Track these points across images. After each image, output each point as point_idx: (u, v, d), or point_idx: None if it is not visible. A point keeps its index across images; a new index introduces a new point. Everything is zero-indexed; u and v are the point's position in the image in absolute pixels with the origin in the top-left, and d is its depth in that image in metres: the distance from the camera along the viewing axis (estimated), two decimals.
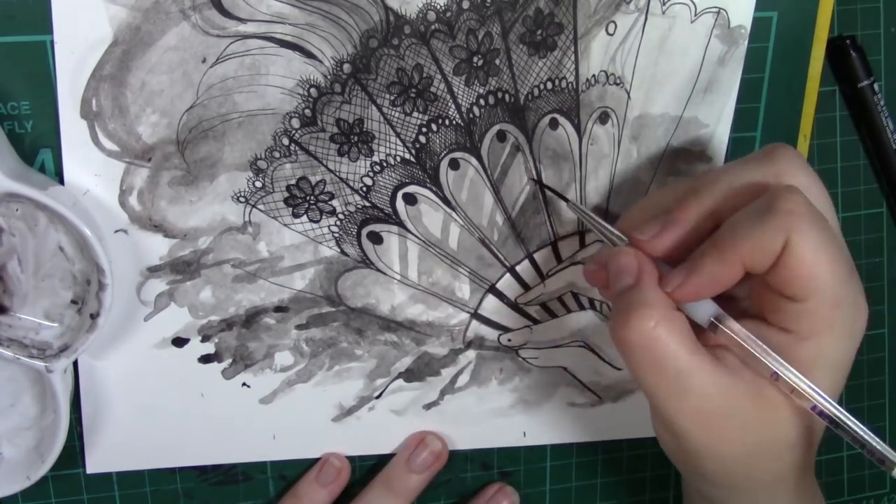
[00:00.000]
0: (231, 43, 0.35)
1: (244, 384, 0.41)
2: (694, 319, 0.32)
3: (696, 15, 0.38)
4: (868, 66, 0.42)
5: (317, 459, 0.43)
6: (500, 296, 0.41)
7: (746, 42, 0.39)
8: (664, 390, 0.31)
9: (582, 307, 0.42)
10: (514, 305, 0.42)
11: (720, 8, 0.38)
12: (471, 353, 0.42)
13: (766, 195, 0.31)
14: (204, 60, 0.35)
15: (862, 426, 0.30)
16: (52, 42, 0.33)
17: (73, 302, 0.36)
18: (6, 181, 0.32)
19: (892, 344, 0.48)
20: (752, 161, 0.33)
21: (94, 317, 0.35)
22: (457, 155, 0.39)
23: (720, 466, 0.33)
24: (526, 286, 0.42)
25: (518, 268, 0.41)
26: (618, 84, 0.39)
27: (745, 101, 0.41)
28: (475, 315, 0.42)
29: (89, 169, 0.36)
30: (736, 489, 0.34)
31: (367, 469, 0.44)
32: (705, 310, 0.32)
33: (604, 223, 0.35)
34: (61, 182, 0.36)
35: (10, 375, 0.37)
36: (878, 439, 0.30)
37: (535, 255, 0.41)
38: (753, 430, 0.32)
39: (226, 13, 0.34)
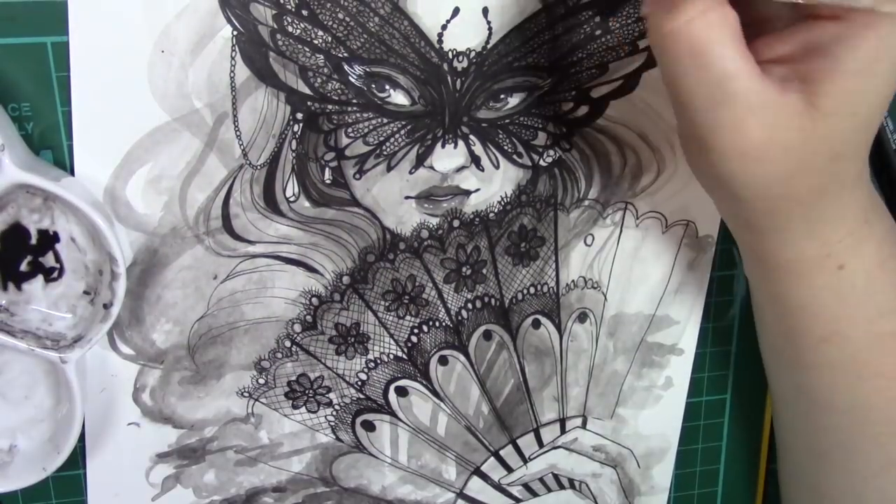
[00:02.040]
0: (241, 262, 0.38)
1: None
2: None
3: (667, 227, 0.42)
4: None
5: None
6: (484, 477, 0.44)
7: (714, 248, 0.43)
8: (703, 95, 0.28)
9: (562, 487, 0.45)
10: (497, 486, 0.45)
11: (689, 220, 0.42)
12: None
13: None
14: (215, 277, 0.38)
15: None
16: (52, 44, 0.34)
17: (86, 292, 0.36)
18: (20, 172, 0.33)
19: None
20: None
21: (107, 307, 0.35)
22: (446, 352, 0.42)
23: (756, 187, 0.30)
24: (509, 468, 0.44)
25: (502, 452, 0.44)
26: (595, 287, 0.42)
27: None
28: (461, 495, 0.44)
29: (106, 370, 0.39)
30: (773, 210, 0.31)
31: None
32: None
33: None
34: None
35: (24, 367, 0.38)
36: None
37: (519, 441, 0.44)
38: (796, 148, 0.29)
39: (237, 237, 0.38)
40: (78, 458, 0.40)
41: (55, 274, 0.36)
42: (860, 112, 0.29)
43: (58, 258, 0.36)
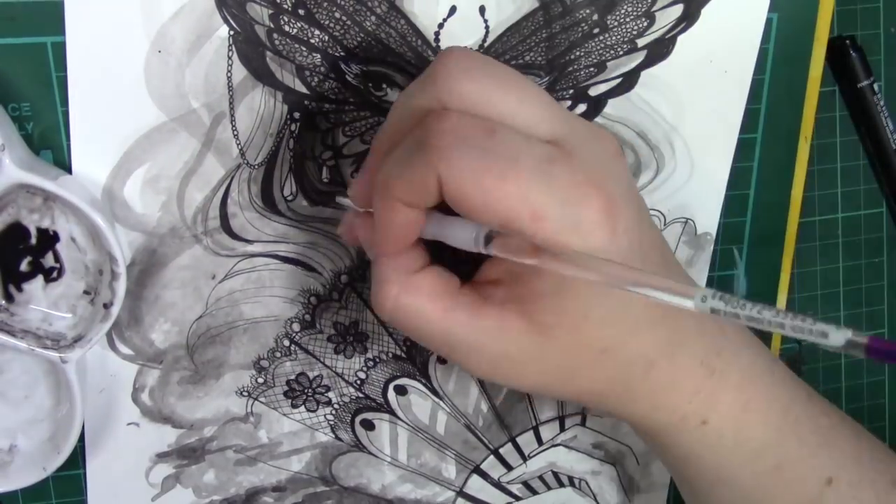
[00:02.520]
0: (239, 261, 0.38)
1: None
2: (466, 246, 0.29)
3: (665, 224, 0.42)
4: (868, 66, 0.42)
5: None
6: (484, 475, 0.44)
7: (713, 246, 0.43)
8: (441, 351, 0.30)
9: (562, 485, 0.45)
10: (497, 484, 0.45)
11: (687, 218, 0.42)
12: None
13: (417, 127, 0.28)
14: (213, 277, 0.38)
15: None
16: (51, 44, 0.34)
17: (86, 292, 0.37)
18: (20, 172, 0.33)
19: None
20: (418, 82, 0.29)
21: (107, 306, 0.35)
22: None
23: (543, 394, 0.32)
24: (509, 466, 0.44)
25: (501, 450, 0.44)
26: None
27: (747, 102, 0.41)
28: (461, 493, 0.44)
29: (105, 370, 0.39)
30: (595, 402, 0.32)
31: None
32: (467, 234, 0.28)
33: (340, 199, 0.35)
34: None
35: (24, 367, 0.38)
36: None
37: (518, 439, 0.44)
38: (547, 359, 0.30)
39: (235, 236, 0.38)
40: (78, 458, 0.40)
41: (55, 274, 0.36)
42: (591, 315, 0.29)
43: (58, 258, 0.36)
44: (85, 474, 0.40)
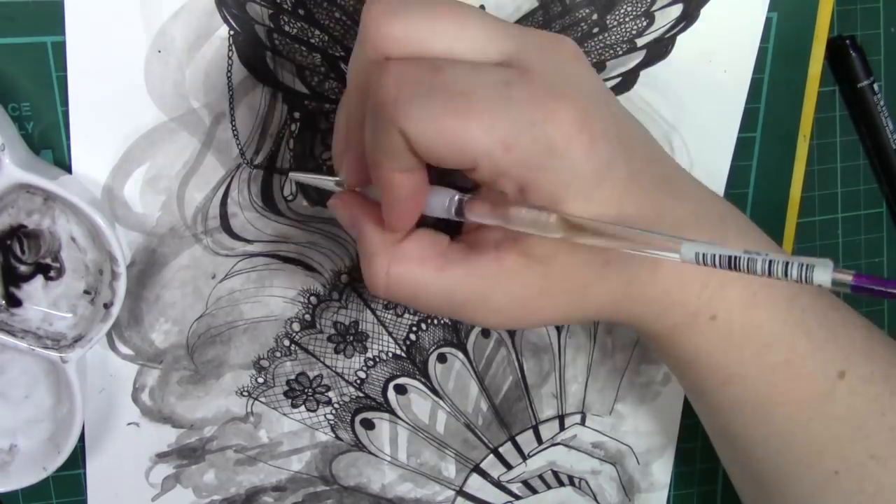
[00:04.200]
0: (239, 261, 0.38)
1: None
2: (444, 216, 0.29)
3: None
4: (868, 66, 0.42)
5: None
6: (483, 474, 0.44)
7: None
8: (447, 312, 0.30)
9: (561, 484, 0.45)
10: (497, 483, 0.45)
11: None
12: None
13: (369, 89, 0.26)
14: (213, 276, 0.38)
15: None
16: (51, 44, 0.34)
17: (86, 292, 0.37)
18: (20, 172, 0.33)
19: None
20: (356, 44, 0.28)
21: (107, 306, 0.35)
22: (444, 350, 0.42)
23: (564, 319, 0.31)
24: (508, 465, 0.44)
25: (501, 449, 0.44)
26: None
27: (746, 101, 0.41)
28: (460, 492, 0.44)
29: (105, 370, 0.39)
30: (609, 314, 0.32)
31: None
32: (441, 203, 0.29)
33: (315, 176, 0.34)
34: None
35: (24, 367, 0.38)
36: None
37: (518, 438, 0.44)
38: (554, 289, 0.29)
39: (235, 236, 0.38)
40: (78, 457, 0.40)
41: (55, 274, 0.36)
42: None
43: (58, 258, 0.36)
44: (85, 474, 0.40)
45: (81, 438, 0.39)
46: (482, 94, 0.25)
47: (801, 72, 0.42)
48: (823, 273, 0.23)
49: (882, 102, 0.43)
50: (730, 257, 0.24)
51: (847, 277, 0.22)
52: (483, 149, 0.25)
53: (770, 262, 0.23)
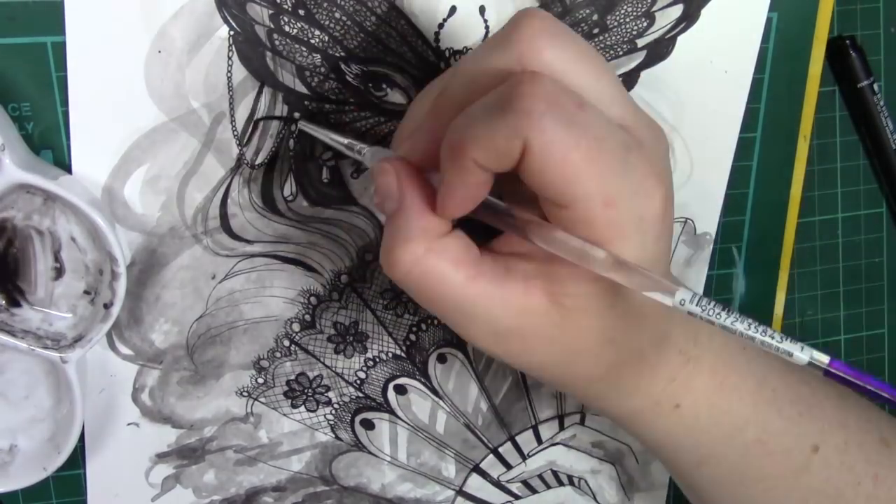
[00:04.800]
0: (239, 262, 0.38)
1: None
2: (486, 220, 0.29)
3: None
4: (868, 66, 0.42)
5: None
6: (483, 474, 0.44)
7: (711, 246, 0.43)
8: (451, 319, 0.29)
9: (561, 483, 0.45)
10: (497, 483, 0.45)
11: (687, 218, 0.42)
12: None
13: (501, 87, 0.26)
14: (213, 277, 0.38)
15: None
16: (51, 44, 0.34)
17: (87, 292, 0.37)
18: (20, 172, 0.33)
19: (892, 344, 0.47)
20: (492, 41, 0.28)
21: (107, 306, 0.35)
22: (444, 350, 0.42)
23: (536, 373, 0.32)
24: (508, 465, 0.44)
25: (501, 449, 0.44)
26: None
27: (746, 101, 0.41)
28: (460, 492, 0.44)
29: (105, 370, 0.39)
30: (579, 385, 0.32)
31: None
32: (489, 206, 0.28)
33: (330, 133, 0.33)
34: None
35: (24, 367, 0.38)
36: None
37: (518, 438, 0.44)
38: (558, 340, 0.29)
39: (235, 236, 0.38)
40: (78, 458, 0.40)
41: (55, 274, 0.36)
42: (617, 304, 0.29)
43: (58, 258, 0.36)
44: (85, 474, 0.40)
45: (81, 438, 0.39)
46: (609, 147, 0.26)
47: (801, 72, 0.42)
48: (801, 356, 0.24)
49: (882, 102, 0.43)
50: (724, 305, 0.26)
51: (823, 361, 0.24)
52: (587, 195, 0.26)
53: (754, 327, 0.25)
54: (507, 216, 0.28)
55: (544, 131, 0.25)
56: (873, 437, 0.35)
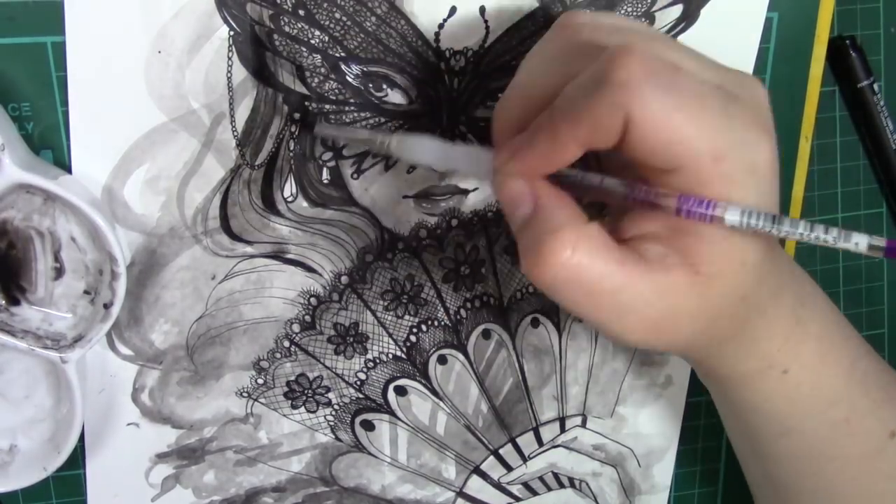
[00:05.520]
0: (239, 262, 0.38)
1: None
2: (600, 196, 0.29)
3: None
4: (868, 66, 0.42)
5: None
6: (484, 476, 0.44)
7: None
8: (605, 316, 0.28)
9: (562, 486, 0.45)
10: (497, 485, 0.44)
11: None
12: None
13: (597, 62, 0.27)
14: (213, 277, 0.38)
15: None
16: (51, 44, 0.34)
17: (86, 292, 0.37)
18: (20, 172, 0.33)
19: (892, 344, 0.47)
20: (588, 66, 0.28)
21: (107, 306, 0.35)
22: (445, 351, 0.42)
23: (679, 350, 0.33)
24: (509, 467, 0.44)
25: (501, 451, 0.44)
26: None
27: None
28: (460, 494, 0.44)
29: (105, 371, 0.39)
30: (701, 350, 0.32)
31: None
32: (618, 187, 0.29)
33: (356, 130, 0.34)
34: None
35: (24, 367, 0.38)
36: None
37: (518, 440, 0.44)
38: (703, 310, 0.29)
39: (235, 237, 0.38)
40: (78, 458, 0.40)
41: (55, 274, 0.36)
42: (748, 260, 0.29)
43: (58, 258, 0.36)
44: (85, 474, 0.40)
45: (81, 438, 0.39)
46: (711, 104, 0.27)
47: (801, 72, 0.42)
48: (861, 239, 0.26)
49: (882, 102, 0.43)
50: (773, 216, 0.27)
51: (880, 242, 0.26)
52: (696, 153, 0.26)
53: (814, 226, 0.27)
54: (631, 191, 0.28)
55: (645, 98, 0.25)
56: None
